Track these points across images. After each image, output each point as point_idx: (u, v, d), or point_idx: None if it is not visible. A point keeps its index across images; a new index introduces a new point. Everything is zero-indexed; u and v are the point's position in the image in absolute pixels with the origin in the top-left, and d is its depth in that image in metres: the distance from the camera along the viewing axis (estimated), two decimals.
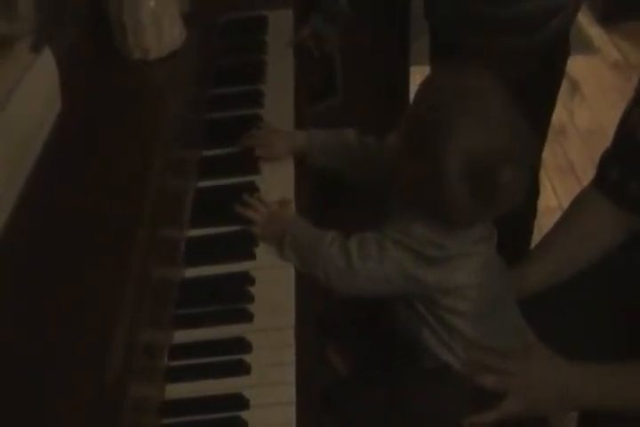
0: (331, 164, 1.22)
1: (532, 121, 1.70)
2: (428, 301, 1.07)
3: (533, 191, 1.91)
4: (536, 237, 1.93)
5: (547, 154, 2.48)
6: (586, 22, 2.99)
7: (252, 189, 1.19)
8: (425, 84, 1.03)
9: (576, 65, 2.80)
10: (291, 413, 0.92)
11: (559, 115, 2.64)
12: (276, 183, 1.20)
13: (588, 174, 2.33)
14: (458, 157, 0.96)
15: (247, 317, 1.03)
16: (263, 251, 1.11)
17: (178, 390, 0.95)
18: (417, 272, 1.03)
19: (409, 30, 1.87)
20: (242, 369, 0.97)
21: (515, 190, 0.99)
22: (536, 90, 1.63)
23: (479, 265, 1.06)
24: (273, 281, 1.08)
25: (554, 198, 2.33)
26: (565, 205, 1.32)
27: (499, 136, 0.97)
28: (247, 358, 0.98)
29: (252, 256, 1.11)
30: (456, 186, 0.97)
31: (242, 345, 0.99)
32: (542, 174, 2.38)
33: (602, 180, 1.25)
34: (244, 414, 0.92)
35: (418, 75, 1.74)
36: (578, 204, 1.30)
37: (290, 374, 0.96)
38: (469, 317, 1.08)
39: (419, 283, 1.04)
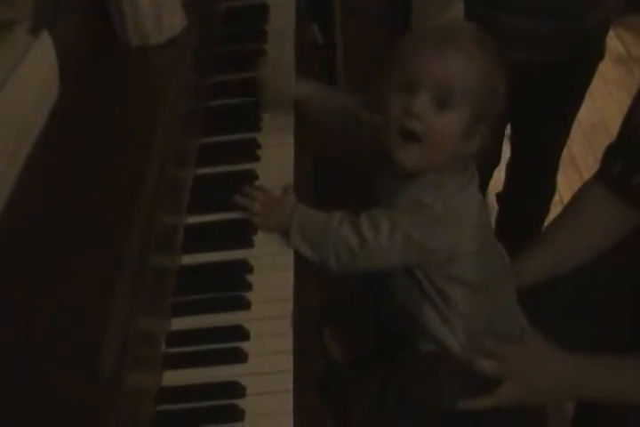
0: (324, 121, 1.22)
1: (554, 116, 1.71)
2: (429, 270, 1.07)
3: (548, 189, 1.90)
4: None
5: None
6: None
7: (252, 176, 1.19)
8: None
9: None
10: (287, 401, 0.92)
11: None
12: (276, 171, 1.20)
13: (589, 168, 2.33)
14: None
15: (245, 305, 1.02)
16: (262, 239, 1.11)
17: (174, 378, 0.95)
18: (427, 241, 1.03)
19: (410, 19, 1.87)
20: (239, 357, 0.96)
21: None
22: (562, 86, 1.62)
23: (481, 232, 1.07)
24: (271, 269, 1.07)
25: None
26: (567, 198, 1.31)
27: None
28: (244, 346, 0.97)
29: (251, 244, 1.10)
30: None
31: (239, 333, 0.99)
32: None
33: (604, 173, 1.25)
34: (241, 403, 0.92)
35: None
36: (580, 196, 1.29)
37: (287, 363, 0.96)
38: (468, 287, 1.08)
39: (430, 252, 1.04)
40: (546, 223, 1.93)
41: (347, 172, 1.32)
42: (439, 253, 1.05)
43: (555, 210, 2.13)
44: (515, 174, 1.89)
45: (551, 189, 1.91)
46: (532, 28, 1.50)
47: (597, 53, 1.64)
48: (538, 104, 1.64)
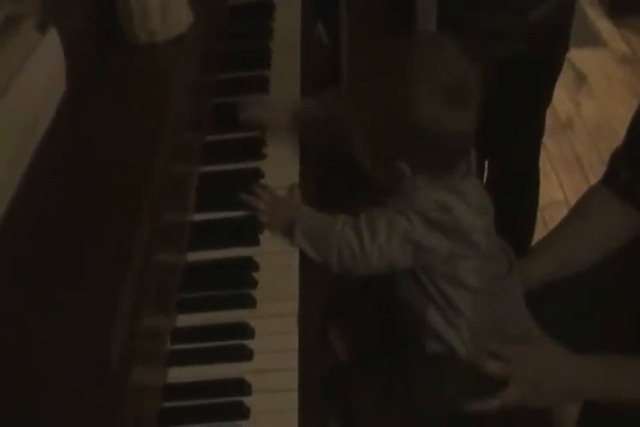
0: (321, 133, 1.22)
1: (522, 113, 1.69)
2: (433, 273, 1.07)
3: (533, 181, 1.89)
4: (542, 231, 1.93)
5: (553, 147, 2.48)
6: (594, 15, 2.98)
7: (257, 174, 1.19)
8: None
9: (584, 58, 2.80)
10: (293, 399, 0.92)
11: (566, 108, 2.63)
12: (281, 169, 1.20)
13: (594, 168, 2.34)
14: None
15: (250, 302, 1.02)
16: (267, 237, 1.11)
17: (180, 375, 0.95)
18: (425, 240, 1.03)
19: (415, 18, 1.86)
20: (244, 355, 0.96)
21: (474, 81, 1.01)
22: (527, 80, 1.62)
23: (484, 239, 1.06)
24: (277, 267, 1.07)
25: (560, 192, 2.32)
26: (571, 198, 1.32)
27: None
28: (250, 343, 0.98)
29: (257, 242, 1.10)
30: (430, 108, 0.98)
31: (245, 331, 0.99)
32: (548, 167, 2.38)
33: (611, 177, 1.25)
34: (246, 400, 0.92)
35: None
36: (586, 200, 1.29)
37: (292, 361, 0.96)
38: (473, 292, 1.08)
39: (429, 252, 1.04)
40: (540, 218, 1.93)
41: (350, 170, 1.31)
42: (440, 252, 1.04)
43: (559, 209, 2.14)
44: (491, 183, 1.85)
45: (533, 181, 1.88)
46: (492, 22, 1.50)
47: (559, 47, 1.63)
48: (505, 101, 1.62)
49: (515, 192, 1.86)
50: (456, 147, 1.03)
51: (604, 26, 2.94)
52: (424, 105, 0.98)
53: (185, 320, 1.01)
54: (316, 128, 1.22)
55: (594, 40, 2.86)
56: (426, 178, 1.04)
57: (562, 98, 2.63)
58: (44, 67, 1.00)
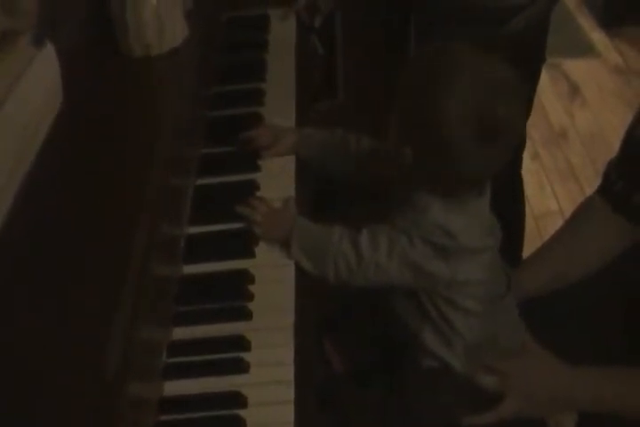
0: (321, 160, 1.22)
1: None
2: (434, 295, 1.07)
3: (517, 191, 1.88)
4: (536, 241, 1.93)
5: (547, 157, 2.49)
6: (588, 26, 2.99)
7: (253, 186, 1.19)
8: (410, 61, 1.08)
9: (577, 69, 2.81)
10: (289, 412, 0.92)
11: (560, 119, 2.65)
12: (277, 181, 1.20)
13: (588, 178, 2.34)
14: (454, 102, 0.97)
15: (246, 315, 1.02)
16: (263, 249, 1.11)
17: (176, 388, 0.95)
18: (424, 263, 1.03)
19: (410, 29, 1.87)
20: (241, 367, 0.96)
21: (515, 123, 0.99)
22: None
23: (488, 261, 1.06)
24: (272, 280, 1.07)
25: (554, 202, 2.32)
26: (566, 208, 1.32)
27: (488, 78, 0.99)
28: (246, 356, 0.98)
29: (252, 254, 1.10)
30: (458, 131, 0.96)
31: (241, 343, 0.99)
32: (543, 178, 2.39)
33: (606, 188, 1.25)
34: (243, 413, 0.92)
35: None
36: (581, 211, 1.29)
37: (289, 373, 0.96)
38: (472, 314, 1.08)
39: (427, 275, 1.04)
40: (535, 228, 1.92)
41: (349, 185, 1.32)
42: (438, 277, 1.04)
43: (553, 220, 2.15)
44: None
45: (518, 193, 1.88)
46: (465, 35, 1.51)
47: (536, 58, 1.63)
48: None
49: (501, 203, 1.86)
50: (472, 180, 1.03)
51: (597, 37, 2.96)
52: (455, 129, 0.97)
53: (181, 333, 1.01)
54: (317, 160, 1.23)
55: (587, 51, 2.88)
56: (439, 196, 1.02)
57: (556, 109, 2.64)
58: (39, 81, 1.00)
